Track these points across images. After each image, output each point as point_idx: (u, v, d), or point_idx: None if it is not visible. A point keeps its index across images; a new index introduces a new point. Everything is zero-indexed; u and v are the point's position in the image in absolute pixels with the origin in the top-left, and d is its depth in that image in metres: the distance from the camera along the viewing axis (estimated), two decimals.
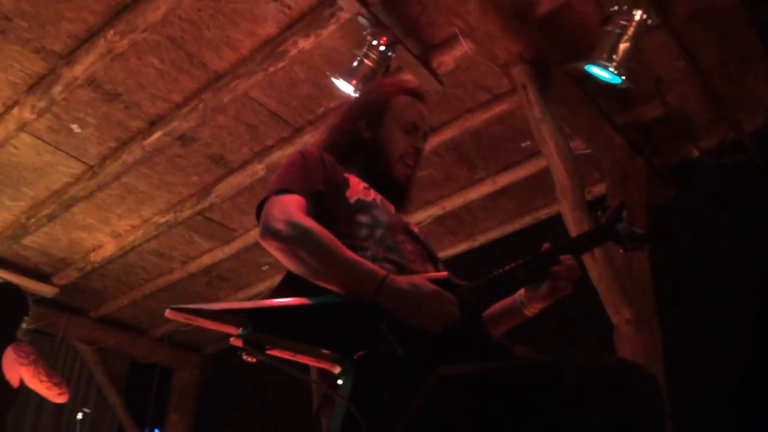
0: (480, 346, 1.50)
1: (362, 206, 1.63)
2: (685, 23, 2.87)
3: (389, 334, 1.37)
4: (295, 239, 1.44)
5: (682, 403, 2.98)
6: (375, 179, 1.73)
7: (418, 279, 1.46)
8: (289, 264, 1.47)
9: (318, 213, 1.57)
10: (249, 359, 1.30)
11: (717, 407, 3.11)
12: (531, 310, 1.69)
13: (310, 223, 1.47)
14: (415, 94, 1.86)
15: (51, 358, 5.58)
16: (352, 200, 1.63)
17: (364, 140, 1.78)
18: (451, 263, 1.68)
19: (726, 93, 3.22)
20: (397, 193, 1.78)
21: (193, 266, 4.89)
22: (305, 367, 1.43)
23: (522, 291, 1.68)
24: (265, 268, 5.01)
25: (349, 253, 1.45)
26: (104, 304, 5.42)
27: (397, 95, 1.84)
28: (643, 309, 3.18)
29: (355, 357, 1.33)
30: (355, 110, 1.87)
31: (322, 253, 1.44)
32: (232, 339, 1.30)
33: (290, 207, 1.50)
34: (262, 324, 1.32)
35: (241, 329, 1.30)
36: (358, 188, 1.66)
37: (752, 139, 3.34)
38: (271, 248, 1.47)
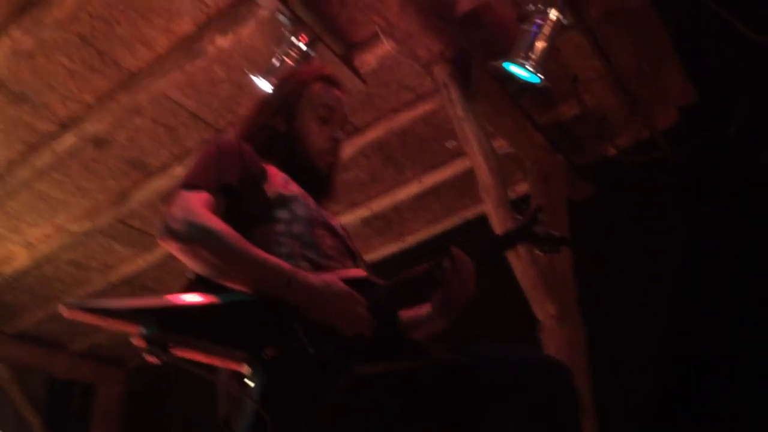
0: (394, 346, 1.47)
1: (281, 200, 1.57)
2: (600, 23, 2.95)
3: (301, 332, 1.33)
4: (194, 239, 1.38)
5: (604, 396, 3.06)
6: (296, 171, 1.69)
7: (330, 277, 1.42)
8: (191, 265, 1.40)
9: (230, 208, 1.51)
10: (152, 360, 1.23)
11: (638, 399, 3.20)
12: (441, 323, 1.64)
13: (211, 221, 1.41)
14: (329, 79, 1.82)
15: None
16: (270, 194, 1.57)
17: (280, 134, 1.73)
18: (380, 265, 1.65)
19: (640, 91, 3.33)
20: (320, 184, 1.74)
21: (114, 276, 4.70)
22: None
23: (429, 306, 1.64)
24: (190, 275, 4.86)
25: (255, 250, 1.40)
26: (18, 319, 5.14)
27: (310, 83, 1.79)
28: (566, 304, 3.24)
29: (265, 356, 1.28)
30: (269, 104, 1.82)
31: (225, 251, 1.38)
32: (134, 339, 1.23)
33: (192, 205, 1.44)
34: (168, 323, 1.25)
35: (144, 328, 1.22)
36: (277, 180, 1.61)
37: (665, 136, 3.45)
38: (171, 249, 1.40)
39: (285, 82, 1.89)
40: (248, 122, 1.81)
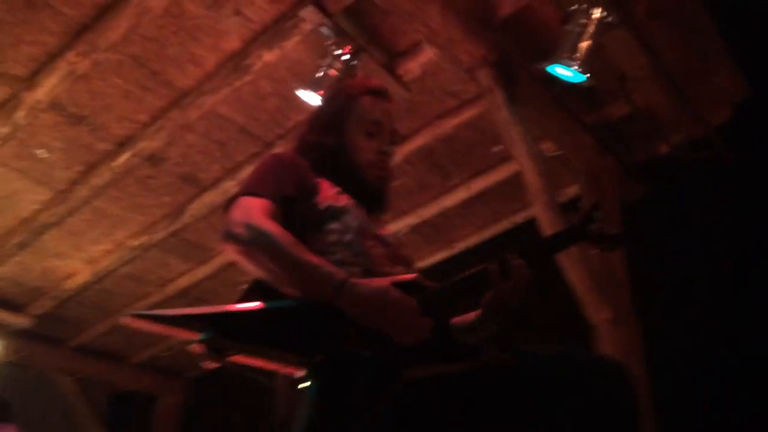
0: (446, 349, 1.47)
1: (333, 213, 1.60)
2: (646, 19, 2.90)
3: (354, 336, 1.35)
4: (253, 242, 1.42)
5: (663, 402, 2.98)
6: (347, 185, 1.70)
7: (382, 284, 1.42)
8: (249, 268, 1.44)
9: (287, 218, 1.54)
10: (210, 365, 1.27)
11: (698, 403, 3.11)
12: (490, 328, 1.62)
13: (270, 226, 1.45)
14: (377, 92, 1.82)
15: (28, 391, 5.47)
16: (322, 206, 1.60)
17: (330, 150, 1.74)
18: (429, 272, 1.65)
19: (690, 88, 3.25)
20: (371, 197, 1.75)
21: (171, 289, 4.82)
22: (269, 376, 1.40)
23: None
24: (244, 286, 4.95)
25: (310, 256, 1.42)
26: (82, 333, 5.33)
27: (358, 98, 1.80)
28: (621, 307, 3.18)
29: (319, 360, 1.31)
30: (319, 120, 1.85)
31: (282, 256, 1.41)
32: (192, 345, 1.27)
33: (253, 210, 1.48)
34: (224, 329, 1.29)
35: (202, 334, 1.27)
36: (329, 193, 1.63)
37: (719, 133, 3.36)
38: (231, 252, 1.45)
39: (333, 97, 1.90)
40: (301, 139, 1.84)
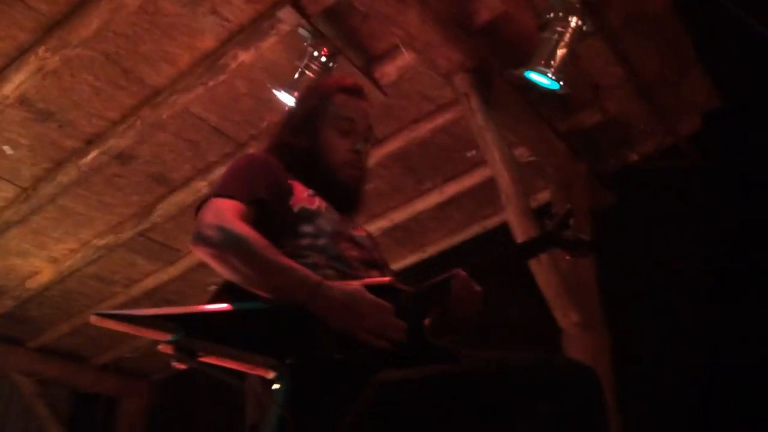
0: (422, 352, 1.47)
1: (306, 215, 1.59)
2: (621, 30, 2.94)
3: (327, 338, 1.34)
4: (225, 245, 1.40)
5: (629, 404, 3.03)
6: (321, 186, 1.69)
7: (354, 287, 1.42)
8: (221, 271, 1.42)
9: (259, 221, 1.52)
10: (180, 366, 1.25)
11: (664, 408, 3.16)
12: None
13: (243, 229, 1.43)
14: (351, 90, 1.80)
15: None
16: (295, 209, 1.59)
17: (303, 150, 1.73)
18: (402, 275, 1.66)
19: (663, 97, 3.31)
20: (345, 197, 1.73)
21: (137, 290, 4.73)
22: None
23: None
24: (212, 288, 4.87)
25: (283, 259, 1.41)
26: (43, 333, 5.20)
27: (332, 96, 1.78)
28: (590, 312, 3.22)
29: (291, 362, 1.30)
30: (292, 119, 1.83)
31: (254, 259, 1.39)
32: (161, 345, 1.26)
33: (225, 212, 1.46)
34: (195, 330, 1.27)
35: (171, 335, 1.25)
36: (302, 196, 1.62)
37: (689, 142, 3.42)
38: (202, 254, 1.43)
39: (307, 96, 1.88)
40: (274, 139, 1.82)
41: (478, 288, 1.58)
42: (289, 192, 1.61)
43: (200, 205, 1.53)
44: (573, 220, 1.79)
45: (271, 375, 1.31)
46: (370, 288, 1.44)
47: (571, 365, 1.59)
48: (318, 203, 1.64)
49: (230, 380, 1.30)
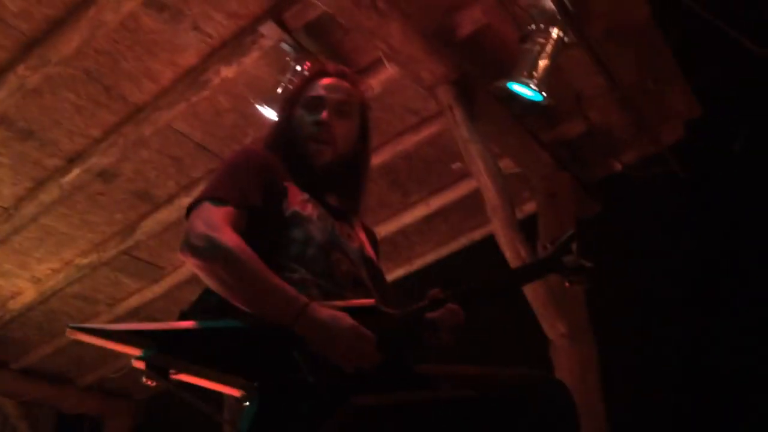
0: (398, 377, 1.45)
1: (296, 220, 1.56)
2: (601, 41, 2.96)
3: (301, 361, 1.32)
4: (214, 257, 1.38)
5: (618, 414, 3.03)
6: (297, 169, 1.65)
7: (338, 312, 1.40)
8: (208, 282, 1.40)
9: (250, 224, 1.50)
10: (150, 383, 1.24)
11: (652, 417, 3.16)
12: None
13: (233, 241, 1.40)
14: (327, 73, 1.78)
15: None
16: (287, 212, 1.56)
17: (280, 133, 1.74)
18: (393, 287, 1.64)
19: (645, 107, 3.33)
20: (319, 177, 1.67)
21: (121, 309, 4.67)
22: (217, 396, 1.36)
23: None
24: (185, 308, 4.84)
25: (272, 277, 1.39)
26: (26, 354, 5.11)
27: (311, 81, 1.77)
28: (577, 323, 3.22)
29: (262, 383, 1.28)
30: (280, 111, 1.88)
31: (243, 274, 1.37)
32: (133, 361, 1.24)
33: (216, 220, 1.43)
34: (167, 346, 1.26)
35: (143, 350, 1.24)
36: (296, 200, 1.59)
37: (672, 151, 3.45)
38: (190, 264, 1.41)
39: (293, 86, 1.95)
40: (269, 132, 1.82)
41: (460, 315, 1.55)
42: (283, 194, 1.58)
43: (191, 207, 1.50)
44: (575, 244, 1.73)
45: (240, 396, 1.30)
46: (354, 310, 1.42)
47: (536, 376, 1.57)
48: (311, 209, 1.60)
49: (204, 409, 1.28)
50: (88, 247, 4.08)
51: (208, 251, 1.38)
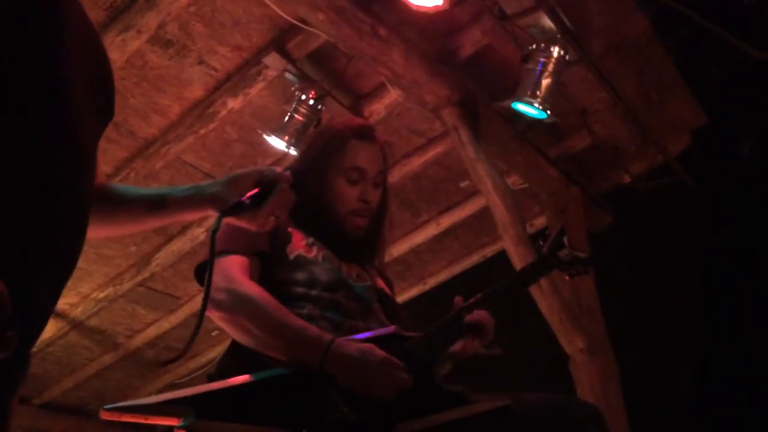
0: (433, 399, 1.46)
1: (301, 263, 1.58)
2: (603, 56, 2.97)
3: (340, 401, 1.33)
4: (237, 309, 1.40)
5: (641, 428, 3.00)
6: (324, 235, 1.67)
7: (365, 345, 1.41)
8: (233, 334, 1.42)
9: (261, 271, 1.53)
10: None
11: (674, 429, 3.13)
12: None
13: (252, 289, 1.43)
14: (361, 134, 1.72)
15: None
16: (291, 256, 1.58)
17: (310, 202, 1.64)
18: (407, 308, 1.66)
19: (649, 118, 3.33)
20: (349, 247, 1.70)
21: (139, 339, 4.70)
22: None
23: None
24: (214, 333, 4.85)
25: (294, 319, 1.41)
26: (47, 390, 5.14)
27: (343, 145, 1.70)
28: (595, 337, 3.20)
29: (306, 430, 1.28)
30: (299, 166, 1.77)
31: (266, 321, 1.39)
32: (175, 430, 1.24)
33: (231, 272, 1.46)
34: (205, 410, 1.26)
35: (182, 420, 1.24)
36: (300, 244, 1.61)
37: (679, 160, 3.44)
38: (214, 318, 1.43)
39: (315, 143, 1.80)
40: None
41: (486, 322, 1.57)
42: (287, 239, 1.61)
43: (198, 267, 1.52)
44: (567, 238, 1.75)
45: None
46: (377, 340, 1.43)
47: (571, 399, 1.59)
48: (316, 252, 1.62)
49: None
50: (104, 281, 4.12)
51: (230, 303, 1.41)
